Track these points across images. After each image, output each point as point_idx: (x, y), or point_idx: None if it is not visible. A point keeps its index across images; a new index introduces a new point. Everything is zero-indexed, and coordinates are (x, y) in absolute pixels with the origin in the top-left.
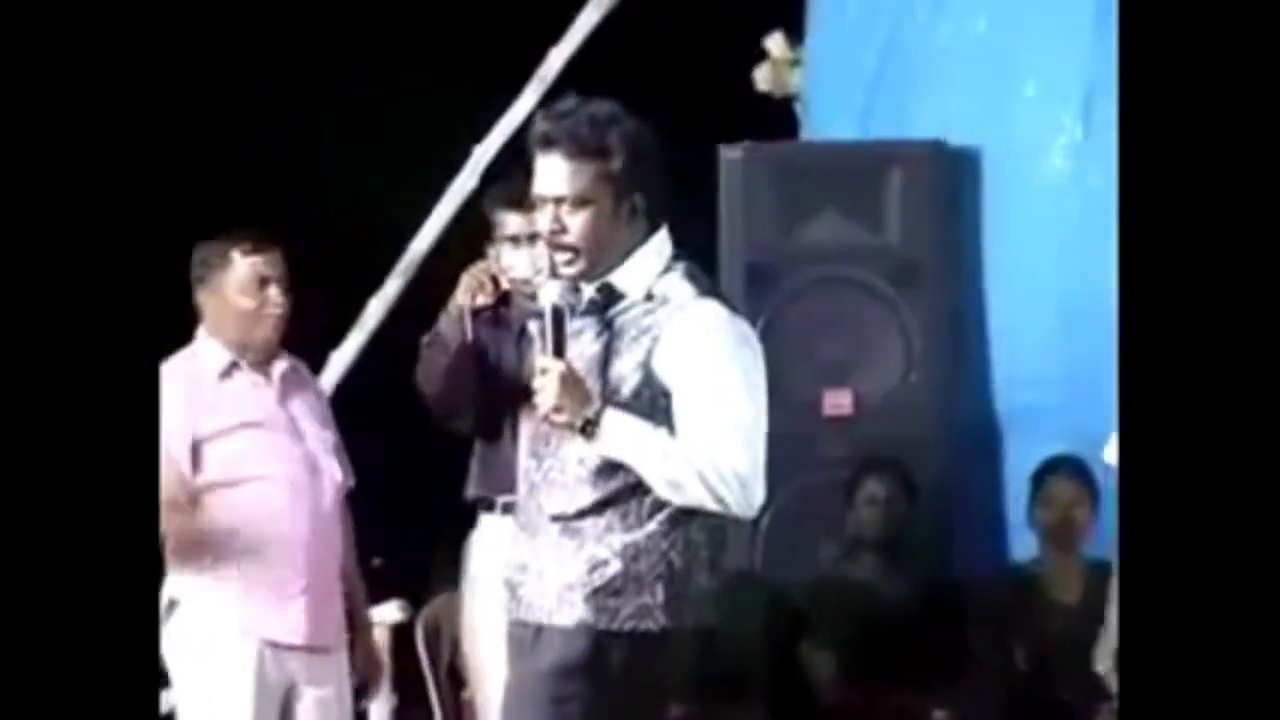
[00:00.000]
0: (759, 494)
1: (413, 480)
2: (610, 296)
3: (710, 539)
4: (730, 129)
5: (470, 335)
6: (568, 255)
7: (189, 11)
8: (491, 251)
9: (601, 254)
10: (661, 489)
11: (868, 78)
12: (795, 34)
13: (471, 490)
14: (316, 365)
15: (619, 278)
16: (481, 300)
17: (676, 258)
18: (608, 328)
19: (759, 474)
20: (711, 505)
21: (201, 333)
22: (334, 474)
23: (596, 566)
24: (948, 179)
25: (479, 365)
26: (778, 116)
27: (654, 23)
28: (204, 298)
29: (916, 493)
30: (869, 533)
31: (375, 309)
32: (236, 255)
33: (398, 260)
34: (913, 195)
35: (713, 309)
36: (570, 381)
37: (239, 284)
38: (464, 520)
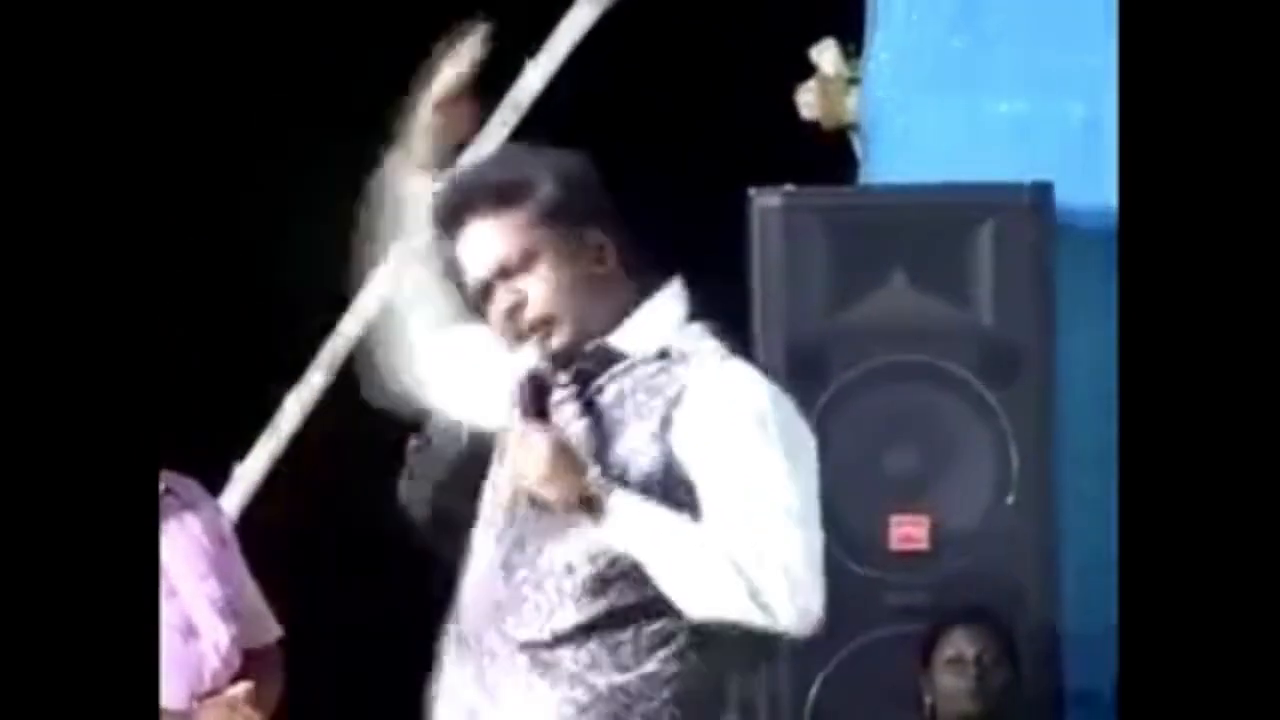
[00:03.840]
0: (815, 602)
1: (356, 632)
2: (605, 361)
3: (732, 688)
4: (767, 169)
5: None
6: (544, 330)
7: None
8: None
9: (583, 311)
10: (683, 596)
11: None
12: (853, 42)
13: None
14: (216, 485)
15: (617, 339)
16: None
17: (695, 316)
18: (600, 393)
19: (817, 575)
20: (753, 615)
21: None
22: (218, 638)
23: (574, 716)
24: (1058, 237)
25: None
26: (829, 152)
27: (665, 29)
28: None
29: (1015, 653)
30: (953, 705)
31: (293, 411)
32: None
33: (320, 346)
34: (1011, 257)
35: (748, 373)
36: (560, 448)
37: None
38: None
